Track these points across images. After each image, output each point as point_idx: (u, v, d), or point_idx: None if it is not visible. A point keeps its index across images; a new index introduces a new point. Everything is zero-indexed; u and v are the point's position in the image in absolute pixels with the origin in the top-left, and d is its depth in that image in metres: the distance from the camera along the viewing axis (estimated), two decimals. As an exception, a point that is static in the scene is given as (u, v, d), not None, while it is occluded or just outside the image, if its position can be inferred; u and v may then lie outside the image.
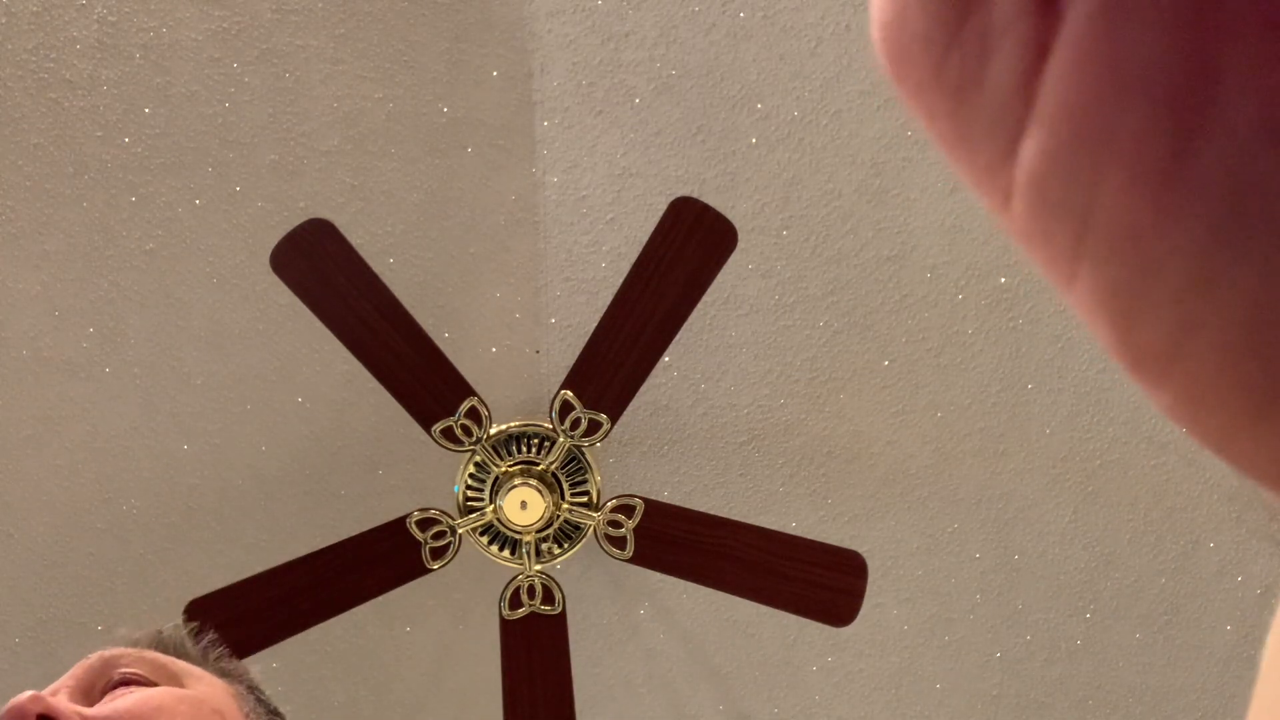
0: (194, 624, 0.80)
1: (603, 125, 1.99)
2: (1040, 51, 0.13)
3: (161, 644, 0.76)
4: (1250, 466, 0.14)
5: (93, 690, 0.68)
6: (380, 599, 2.06)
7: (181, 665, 0.71)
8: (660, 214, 1.83)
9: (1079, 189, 0.13)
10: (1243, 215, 0.12)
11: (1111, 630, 2.42)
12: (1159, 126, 0.12)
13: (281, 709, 0.78)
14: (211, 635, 0.79)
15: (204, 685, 0.71)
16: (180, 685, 0.69)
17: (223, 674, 0.76)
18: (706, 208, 1.81)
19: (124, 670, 0.69)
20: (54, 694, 0.67)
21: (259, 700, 0.76)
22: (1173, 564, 2.34)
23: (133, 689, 0.67)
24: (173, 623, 0.80)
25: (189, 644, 0.77)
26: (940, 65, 0.14)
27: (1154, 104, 0.12)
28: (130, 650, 0.71)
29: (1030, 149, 0.13)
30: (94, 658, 0.70)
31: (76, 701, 0.67)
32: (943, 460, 2.26)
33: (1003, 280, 2.09)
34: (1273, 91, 0.12)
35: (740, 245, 1.92)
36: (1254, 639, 2.41)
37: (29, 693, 0.63)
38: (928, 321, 2.13)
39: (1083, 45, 0.13)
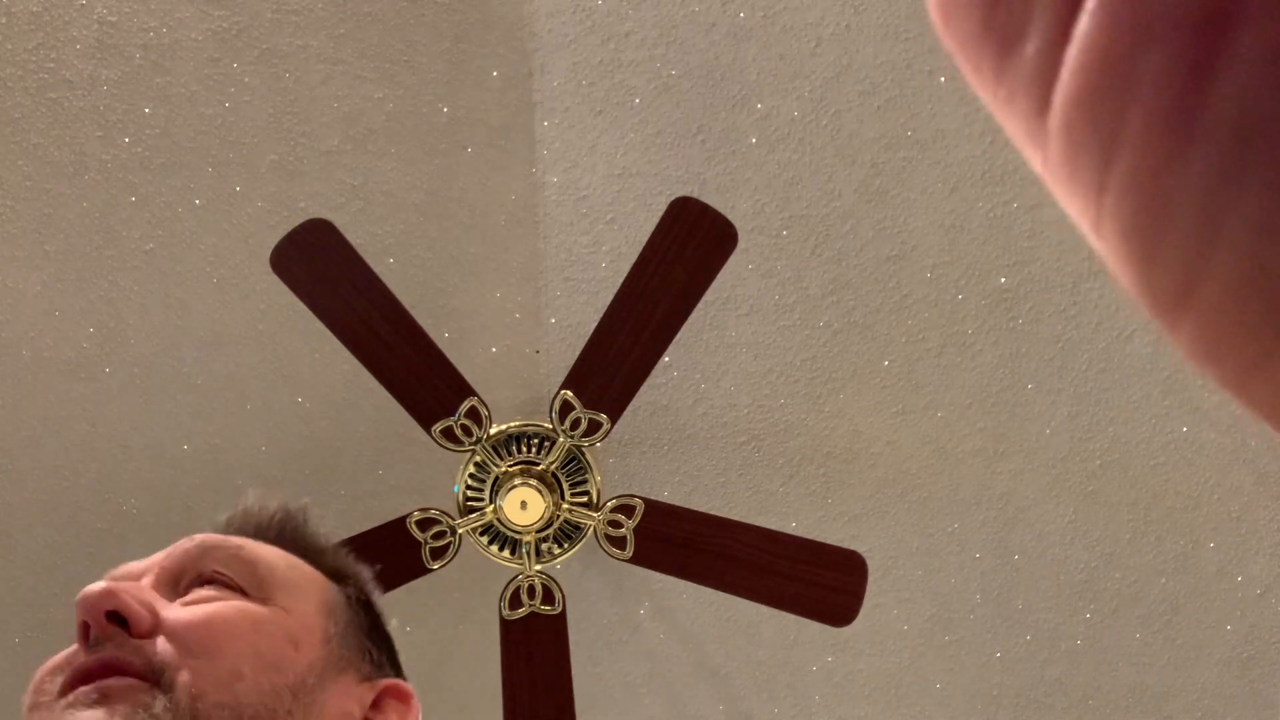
0: (319, 512, 0.76)
1: (603, 125, 1.99)
2: (1074, 5, 0.14)
3: (282, 525, 0.73)
4: (1267, 408, 0.14)
5: (181, 579, 0.65)
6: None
7: (278, 573, 0.67)
8: (660, 214, 1.83)
9: (1103, 130, 0.14)
10: (1248, 153, 0.13)
11: (1111, 630, 2.41)
12: (1175, 69, 0.13)
13: None
14: (332, 529, 0.75)
15: (293, 600, 0.66)
16: (268, 598, 0.65)
17: (334, 574, 0.72)
18: (706, 208, 1.81)
19: (215, 569, 0.66)
20: (142, 574, 0.65)
21: (358, 613, 0.71)
22: (1173, 564, 2.34)
23: (217, 592, 0.64)
24: (303, 503, 0.76)
25: (309, 531, 0.74)
26: (988, 20, 0.15)
27: (1171, 48, 0.13)
28: (230, 543, 0.68)
29: (1061, 96, 0.14)
30: (193, 542, 0.67)
31: (163, 587, 0.64)
32: (943, 460, 2.26)
33: (1003, 280, 2.09)
34: (1278, 36, 0.13)
35: (740, 245, 1.92)
36: (1254, 639, 2.41)
37: (101, 584, 0.60)
38: (928, 321, 2.13)
39: None
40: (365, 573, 0.75)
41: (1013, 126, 0.16)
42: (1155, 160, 0.14)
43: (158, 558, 0.67)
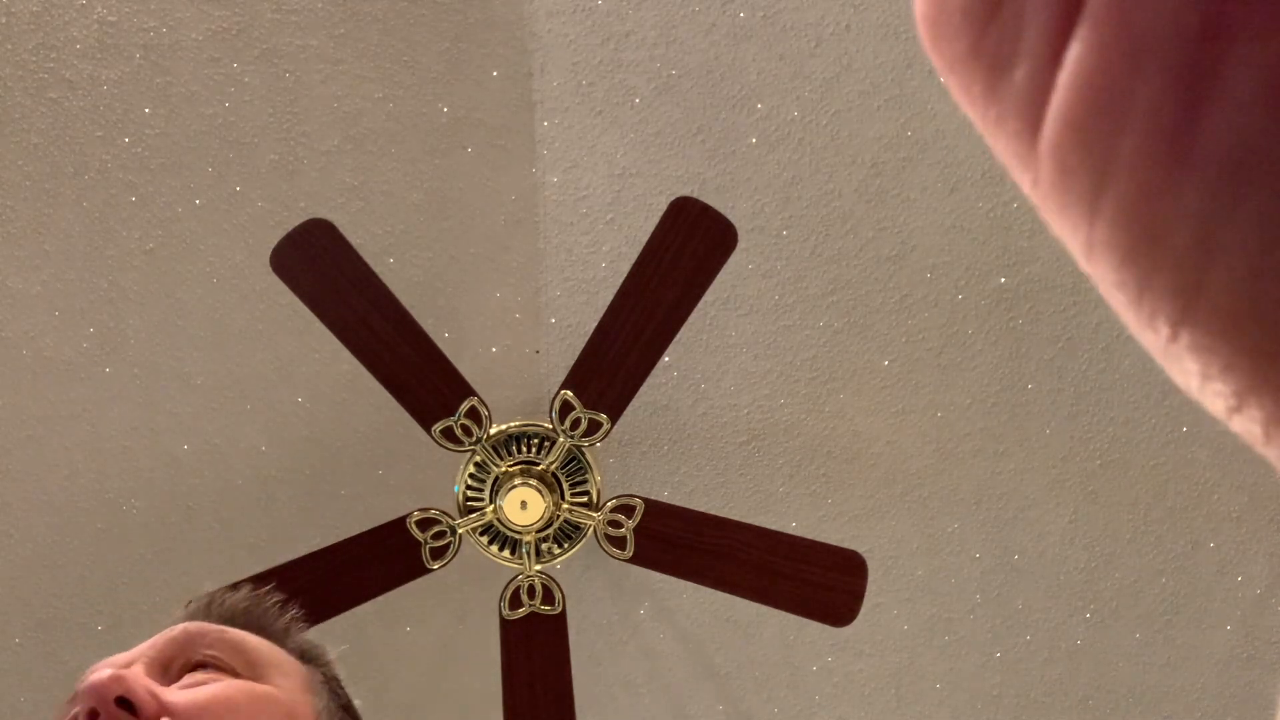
0: (282, 596, 0.77)
1: (603, 125, 1.99)
2: (1067, 27, 0.14)
3: (248, 611, 0.74)
4: (1259, 433, 0.14)
5: (171, 666, 0.66)
6: (380, 599, 2.06)
7: (264, 654, 0.69)
8: (660, 214, 1.83)
9: (1095, 156, 0.14)
10: (1243, 178, 0.13)
11: (1111, 630, 2.41)
12: (1170, 95, 0.13)
13: None
14: (297, 611, 0.77)
15: (282, 678, 0.68)
16: (259, 677, 0.67)
17: (302, 656, 0.73)
18: (706, 208, 1.81)
19: (206, 653, 0.67)
20: (130, 663, 0.66)
21: (334, 692, 0.74)
22: (1173, 564, 2.34)
23: (210, 675, 0.66)
24: (259, 591, 0.77)
25: (274, 617, 0.76)
26: (979, 40, 0.15)
27: (1166, 74, 0.13)
28: (214, 629, 0.69)
29: (1052, 120, 0.14)
30: (179, 631, 0.69)
31: (154, 675, 0.65)
32: (943, 460, 2.26)
33: (1003, 280, 2.09)
34: (1274, 61, 0.12)
35: (740, 245, 1.92)
36: (1254, 639, 2.41)
37: (108, 670, 0.61)
38: (928, 321, 2.13)
39: (1103, 19, 0.13)
40: (329, 653, 0.77)
41: (1003, 149, 0.15)
42: (1148, 186, 0.13)
43: (142, 648, 0.68)
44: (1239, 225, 0.13)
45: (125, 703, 0.60)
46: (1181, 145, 0.13)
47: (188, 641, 0.68)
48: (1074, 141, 0.14)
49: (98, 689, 0.60)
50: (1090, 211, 0.14)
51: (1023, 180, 0.15)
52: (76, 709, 0.65)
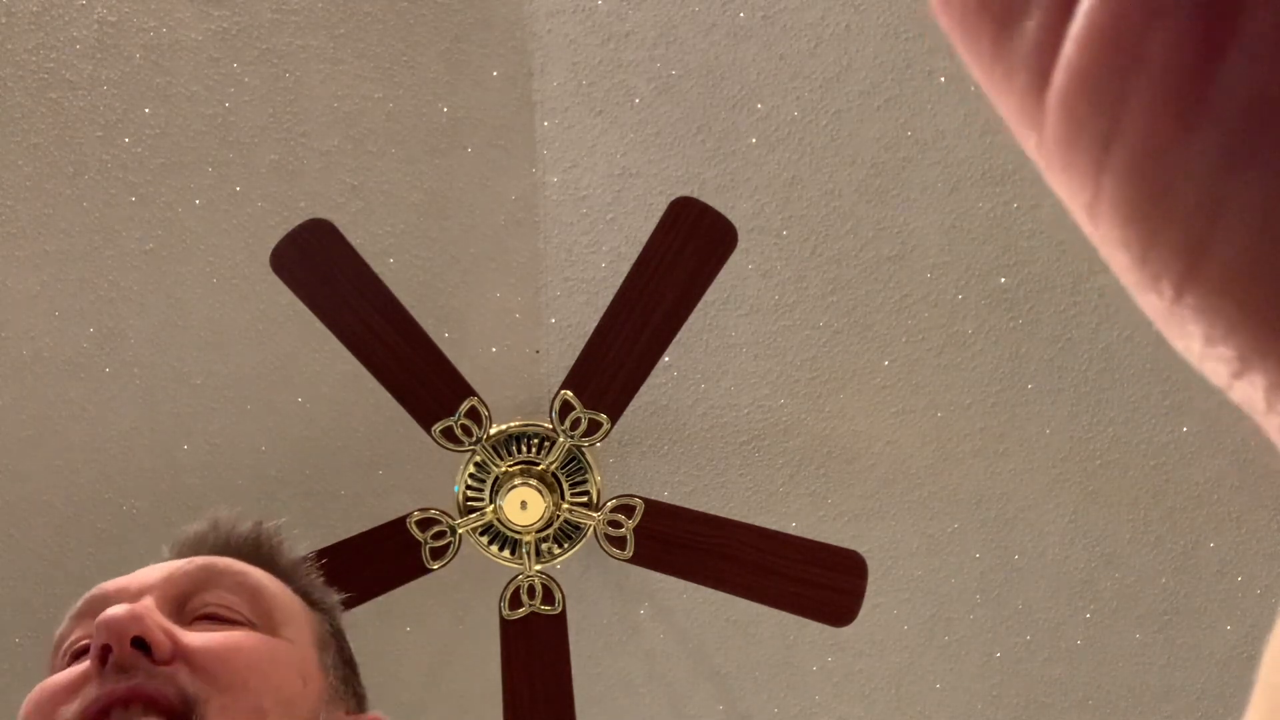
0: (291, 534, 0.74)
1: (603, 125, 1.99)
2: None
3: (257, 544, 0.71)
4: (1262, 403, 0.14)
5: (185, 601, 0.63)
6: (380, 599, 2.06)
7: (279, 603, 0.66)
8: (660, 214, 1.83)
9: (1105, 109, 0.14)
10: (1256, 133, 0.13)
11: (1111, 630, 2.41)
12: (1185, 47, 0.13)
13: None
14: (304, 547, 0.73)
15: (294, 631, 0.66)
16: (273, 629, 0.64)
17: (307, 597, 0.71)
18: (706, 208, 1.81)
19: (223, 596, 0.64)
20: (142, 592, 0.63)
21: (340, 646, 0.71)
22: (1173, 564, 2.34)
23: (225, 626, 0.63)
24: (276, 523, 0.74)
25: (283, 552, 0.72)
26: None
27: (1180, 24, 0.13)
28: (234, 568, 0.66)
29: (1062, 72, 0.14)
30: (197, 565, 0.65)
31: (166, 609, 0.62)
32: (943, 460, 2.26)
33: (1003, 280, 2.09)
34: None
35: (740, 245, 1.92)
36: (1254, 639, 2.41)
37: (125, 608, 0.57)
38: (928, 321, 2.13)
39: None
40: (332, 597, 0.74)
41: (1008, 106, 0.15)
42: (1159, 140, 0.13)
43: (155, 577, 0.65)
44: (1250, 180, 0.13)
45: (140, 642, 0.57)
46: (1194, 97, 0.13)
47: (205, 579, 0.65)
48: (1084, 92, 0.14)
49: (114, 626, 0.57)
50: (1097, 166, 0.14)
51: (1027, 139, 0.15)
52: (79, 633, 0.63)
